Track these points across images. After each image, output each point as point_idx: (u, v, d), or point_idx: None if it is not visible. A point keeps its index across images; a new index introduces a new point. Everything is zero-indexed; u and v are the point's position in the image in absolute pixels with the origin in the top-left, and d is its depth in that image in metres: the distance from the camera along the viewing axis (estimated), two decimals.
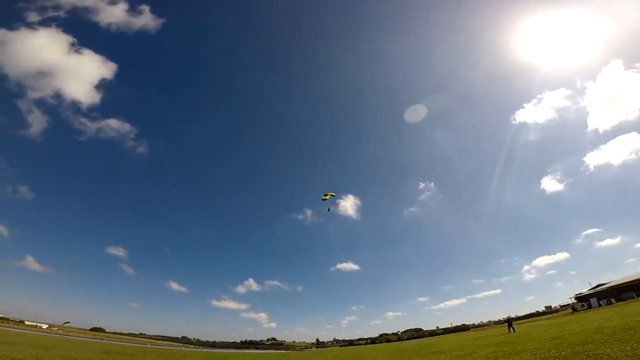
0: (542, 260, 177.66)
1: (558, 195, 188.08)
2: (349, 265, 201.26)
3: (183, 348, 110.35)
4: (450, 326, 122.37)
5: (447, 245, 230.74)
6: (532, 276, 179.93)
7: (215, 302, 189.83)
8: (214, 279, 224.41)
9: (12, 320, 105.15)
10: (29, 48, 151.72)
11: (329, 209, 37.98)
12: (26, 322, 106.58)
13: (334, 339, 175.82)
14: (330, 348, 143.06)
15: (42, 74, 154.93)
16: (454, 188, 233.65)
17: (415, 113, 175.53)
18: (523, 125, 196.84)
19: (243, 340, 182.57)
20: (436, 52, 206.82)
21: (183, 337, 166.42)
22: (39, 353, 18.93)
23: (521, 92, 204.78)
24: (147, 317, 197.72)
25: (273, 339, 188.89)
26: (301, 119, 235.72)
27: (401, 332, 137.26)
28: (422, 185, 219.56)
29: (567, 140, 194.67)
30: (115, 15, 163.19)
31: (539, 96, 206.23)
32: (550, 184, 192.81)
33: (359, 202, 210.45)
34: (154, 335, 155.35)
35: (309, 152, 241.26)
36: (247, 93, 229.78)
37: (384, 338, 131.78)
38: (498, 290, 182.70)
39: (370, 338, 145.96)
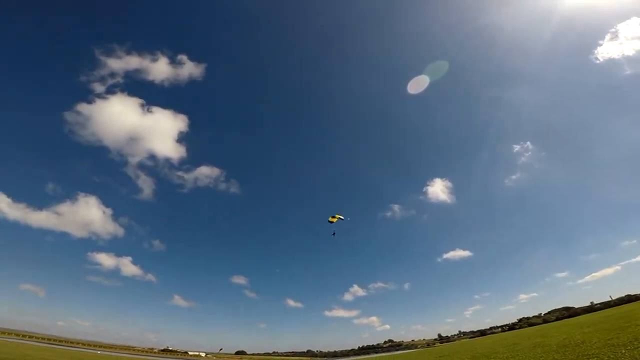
0: None
1: None
2: (457, 253, 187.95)
3: None
4: (610, 299, 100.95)
5: (571, 207, 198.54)
6: None
7: (327, 313, 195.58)
8: (322, 290, 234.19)
9: (178, 352, 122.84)
10: (112, 116, 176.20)
11: (334, 233, 36.46)
12: (189, 353, 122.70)
13: (459, 331, 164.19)
14: (469, 339, 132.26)
15: (133, 139, 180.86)
16: (557, 142, 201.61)
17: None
18: (610, 62, 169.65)
19: (361, 346, 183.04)
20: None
21: (308, 351, 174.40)
22: None
23: (588, 30, 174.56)
24: (275, 335, 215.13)
25: (390, 340, 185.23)
26: (366, 110, 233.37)
27: (545, 314, 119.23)
28: (517, 147, 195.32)
29: None
30: (161, 70, 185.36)
31: (612, 30, 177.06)
32: None
33: (449, 184, 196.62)
34: (284, 353, 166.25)
35: (379, 145, 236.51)
36: (310, 102, 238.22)
37: (525, 322, 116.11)
38: None
39: (506, 325, 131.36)
